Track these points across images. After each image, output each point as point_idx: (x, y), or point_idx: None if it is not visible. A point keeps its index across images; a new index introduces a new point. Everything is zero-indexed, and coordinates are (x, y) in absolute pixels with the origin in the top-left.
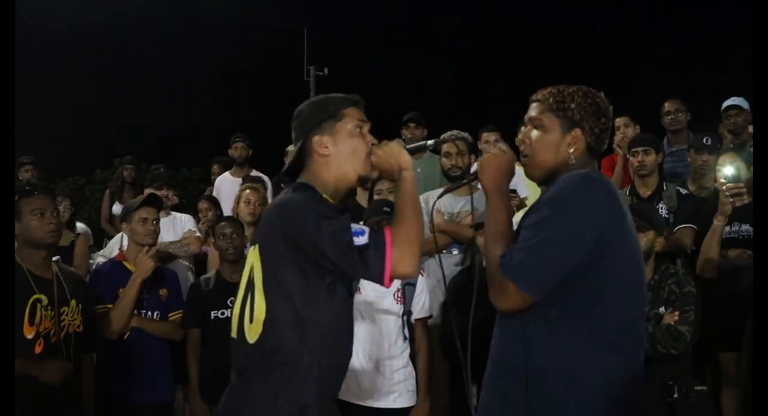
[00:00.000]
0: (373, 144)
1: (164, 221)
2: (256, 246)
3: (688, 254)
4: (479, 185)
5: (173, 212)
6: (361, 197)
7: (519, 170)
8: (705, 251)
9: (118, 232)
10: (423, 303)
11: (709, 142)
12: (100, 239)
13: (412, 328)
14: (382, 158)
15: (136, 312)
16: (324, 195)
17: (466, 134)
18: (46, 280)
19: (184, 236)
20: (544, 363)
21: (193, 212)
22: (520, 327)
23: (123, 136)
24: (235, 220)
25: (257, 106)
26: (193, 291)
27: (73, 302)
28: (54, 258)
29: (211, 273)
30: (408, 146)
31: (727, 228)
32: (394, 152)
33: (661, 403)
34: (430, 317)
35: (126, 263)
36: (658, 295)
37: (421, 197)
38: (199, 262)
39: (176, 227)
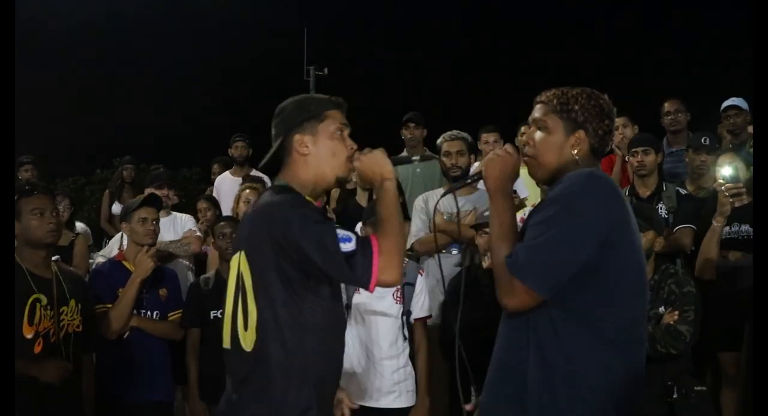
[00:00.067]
0: (353, 149)
1: (165, 221)
2: (242, 252)
3: (687, 254)
4: (479, 185)
5: (173, 212)
6: (361, 197)
7: (520, 170)
8: (704, 252)
9: (117, 232)
10: (422, 303)
11: (708, 142)
12: (99, 238)
13: (411, 328)
14: (367, 165)
15: (135, 311)
16: (307, 197)
17: (465, 134)
18: (45, 280)
19: (184, 236)
20: (547, 363)
21: (193, 211)
22: (525, 327)
23: (123, 136)
24: (234, 220)
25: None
26: (193, 291)
27: (72, 302)
28: (53, 258)
29: (210, 273)
30: (393, 157)
31: (727, 228)
32: (379, 161)
33: (660, 403)
34: (430, 317)
35: (125, 263)
36: (657, 295)
37: (421, 197)
38: (199, 262)
39: (177, 226)
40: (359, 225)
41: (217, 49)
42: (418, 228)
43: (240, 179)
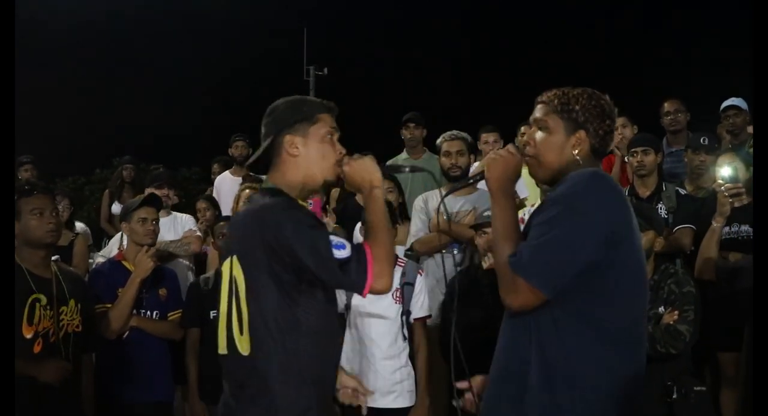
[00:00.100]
0: (342, 153)
1: (165, 221)
2: (235, 256)
3: (687, 254)
4: (479, 186)
5: (174, 212)
6: (361, 198)
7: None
8: (703, 252)
9: (117, 232)
10: (422, 303)
11: (706, 142)
12: (99, 238)
13: (411, 328)
14: (356, 171)
15: (135, 311)
16: (300, 201)
17: (465, 135)
18: (45, 280)
19: (184, 236)
20: (547, 363)
21: (192, 211)
22: (526, 326)
23: (123, 136)
24: None
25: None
26: (193, 291)
27: (72, 302)
28: (53, 258)
29: (210, 273)
30: (386, 164)
31: (726, 229)
32: (369, 168)
33: (660, 403)
34: (429, 316)
35: (125, 263)
36: (657, 295)
37: (421, 197)
38: (199, 261)
39: (177, 226)
40: (359, 225)
41: (217, 49)
42: (417, 228)
43: (240, 179)
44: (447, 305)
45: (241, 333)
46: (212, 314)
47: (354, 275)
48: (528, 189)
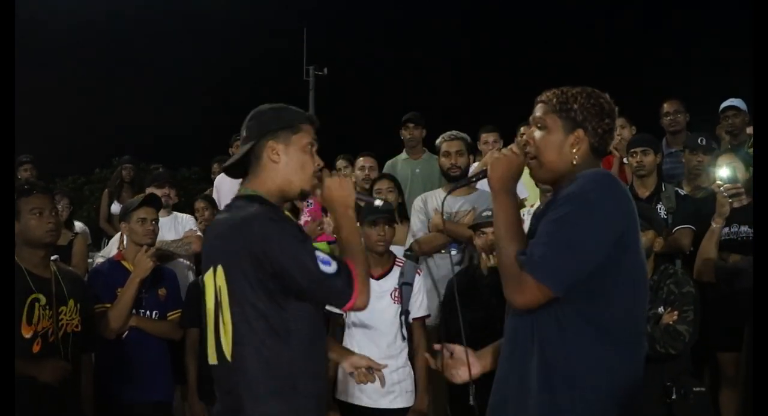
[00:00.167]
0: (320, 165)
1: (166, 221)
2: (219, 267)
3: (686, 254)
4: (478, 186)
5: (175, 212)
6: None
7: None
8: (703, 253)
9: (116, 231)
10: (420, 303)
11: (704, 142)
12: (98, 238)
13: (410, 328)
14: (337, 188)
15: (134, 311)
16: (286, 212)
17: (464, 135)
18: (44, 279)
19: (185, 236)
20: (548, 363)
21: (191, 211)
22: (529, 325)
23: (123, 136)
24: None
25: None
26: (192, 291)
27: (71, 302)
28: (52, 258)
29: None
30: (358, 195)
31: (726, 230)
32: (348, 188)
33: (659, 404)
34: (428, 316)
35: (125, 263)
36: (657, 295)
37: (420, 198)
38: (199, 261)
39: (178, 226)
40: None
41: (217, 49)
42: (417, 228)
43: (240, 179)
44: (446, 305)
45: (230, 342)
46: None
47: (339, 290)
48: (527, 189)
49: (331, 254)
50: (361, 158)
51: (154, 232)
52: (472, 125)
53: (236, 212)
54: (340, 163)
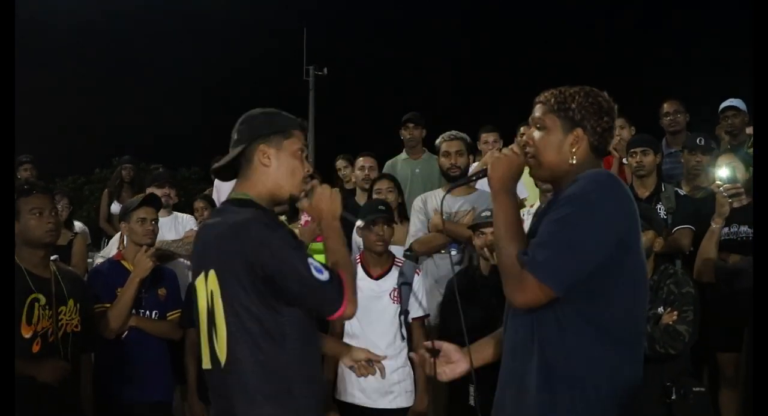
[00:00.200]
0: (309, 171)
1: (166, 221)
2: (213, 273)
3: (686, 254)
4: (477, 185)
5: (175, 212)
6: (360, 198)
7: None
8: (702, 254)
9: (116, 231)
10: (419, 303)
11: (702, 142)
12: (98, 238)
13: (409, 327)
14: (326, 198)
15: (134, 311)
16: (281, 218)
17: (464, 135)
18: (44, 279)
19: (185, 236)
20: (548, 363)
21: (191, 211)
22: (530, 326)
23: (123, 136)
24: None
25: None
26: (192, 291)
27: (71, 302)
28: (52, 257)
29: None
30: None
31: (726, 230)
32: (336, 200)
33: (659, 404)
34: (428, 316)
35: (124, 263)
36: (656, 295)
37: (420, 198)
38: None
39: (178, 226)
40: (357, 226)
41: (217, 49)
42: (416, 228)
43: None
44: (446, 305)
45: (224, 347)
46: None
47: (330, 298)
48: (527, 189)
49: (323, 263)
50: (361, 158)
51: (154, 232)
52: (472, 125)
53: (229, 216)
54: (340, 163)
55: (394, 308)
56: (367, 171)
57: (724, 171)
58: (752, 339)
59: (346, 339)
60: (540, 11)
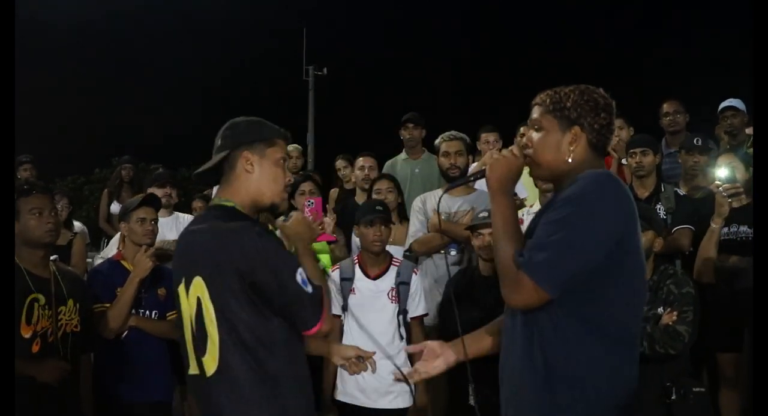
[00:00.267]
0: (290, 180)
1: (167, 221)
2: (199, 280)
3: (686, 255)
4: (476, 186)
5: (176, 212)
6: (360, 198)
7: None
8: (702, 253)
9: (116, 231)
10: (418, 302)
11: (700, 143)
12: (98, 238)
13: (408, 327)
14: (300, 226)
15: (134, 311)
16: (270, 227)
17: (463, 135)
18: (43, 279)
19: None
20: (549, 363)
21: (190, 211)
22: (527, 326)
23: (123, 136)
24: None
25: (257, 105)
26: None
27: (70, 302)
28: (52, 257)
29: None
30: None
31: (725, 230)
32: (310, 227)
33: (659, 404)
34: (426, 315)
35: (124, 263)
36: (656, 295)
37: (419, 198)
38: None
39: (179, 226)
40: (356, 226)
41: (217, 49)
42: (416, 229)
43: None
44: (445, 305)
45: (210, 353)
46: None
47: (310, 313)
48: (527, 189)
49: (309, 279)
50: (360, 158)
51: (154, 232)
52: (472, 125)
53: (215, 223)
54: (340, 163)
55: (393, 308)
56: (366, 171)
57: (723, 171)
58: (752, 340)
59: (344, 339)
60: (540, 11)
